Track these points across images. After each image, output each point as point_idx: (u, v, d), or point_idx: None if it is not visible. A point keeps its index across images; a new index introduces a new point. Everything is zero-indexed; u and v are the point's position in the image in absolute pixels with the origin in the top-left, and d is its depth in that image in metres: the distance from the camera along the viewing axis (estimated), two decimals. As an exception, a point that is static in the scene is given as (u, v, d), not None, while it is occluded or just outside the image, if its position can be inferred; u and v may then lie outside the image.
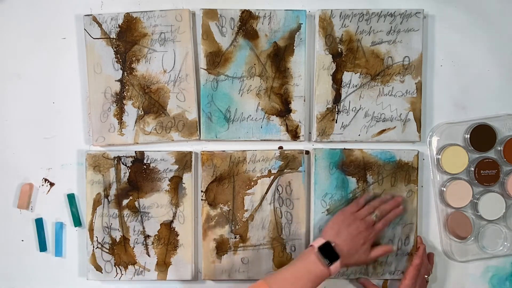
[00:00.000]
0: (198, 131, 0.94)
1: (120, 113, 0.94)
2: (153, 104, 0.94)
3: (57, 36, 0.97)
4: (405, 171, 0.94)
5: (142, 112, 0.94)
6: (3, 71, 0.97)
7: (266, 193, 0.94)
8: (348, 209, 0.90)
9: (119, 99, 0.94)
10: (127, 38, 0.94)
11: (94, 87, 0.94)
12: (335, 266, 0.83)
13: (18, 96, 0.97)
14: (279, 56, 0.93)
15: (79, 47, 0.96)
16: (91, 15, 0.94)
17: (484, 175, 0.95)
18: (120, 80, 0.94)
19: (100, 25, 0.94)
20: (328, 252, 0.83)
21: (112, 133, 0.95)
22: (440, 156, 0.95)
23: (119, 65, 0.94)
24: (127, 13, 0.94)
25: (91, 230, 0.94)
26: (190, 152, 0.94)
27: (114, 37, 0.94)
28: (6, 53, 0.97)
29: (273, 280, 0.81)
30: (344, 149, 0.94)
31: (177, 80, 0.94)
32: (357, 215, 0.88)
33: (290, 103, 0.94)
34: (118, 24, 0.94)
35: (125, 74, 0.94)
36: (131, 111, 0.94)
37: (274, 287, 0.80)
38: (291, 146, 0.96)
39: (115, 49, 0.94)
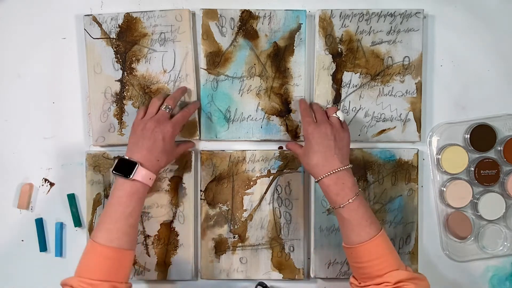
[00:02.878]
0: (198, 131, 0.94)
1: (120, 113, 0.94)
2: (153, 104, 0.94)
3: (57, 36, 0.97)
4: (405, 170, 0.94)
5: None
6: (3, 71, 0.97)
7: (265, 193, 0.94)
8: (136, 117, 0.86)
9: (119, 99, 0.94)
10: (127, 38, 0.94)
11: (94, 87, 0.94)
12: (139, 172, 0.79)
13: (18, 96, 0.97)
14: (279, 56, 0.93)
15: (79, 47, 0.96)
16: (91, 15, 0.94)
17: (484, 175, 0.94)
18: (120, 80, 0.94)
19: (100, 25, 0.94)
20: (123, 167, 0.79)
21: (112, 133, 0.95)
22: (440, 156, 0.95)
23: (119, 65, 0.94)
24: (127, 13, 0.94)
25: (91, 230, 0.94)
26: (190, 152, 0.94)
27: (114, 37, 0.94)
28: (6, 53, 0.97)
29: (96, 229, 0.79)
30: (344, 148, 0.94)
31: (177, 80, 0.94)
32: (146, 117, 0.85)
33: (290, 103, 0.94)
34: (118, 24, 0.94)
35: (125, 74, 0.94)
36: (131, 111, 0.94)
37: (98, 235, 0.77)
38: (291, 146, 0.96)
39: (115, 49, 0.94)
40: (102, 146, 0.96)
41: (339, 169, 0.79)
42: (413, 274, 0.75)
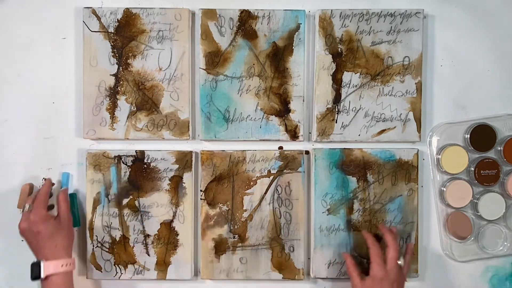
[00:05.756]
0: (189, 131, 0.94)
1: (112, 108, 0.94)
2: (146, 101, 0.94)
3: (57, 36, 0.97)
4: (405, 170, 0.94)
5: (135, 108, 0.94)
6: (3, 71, 0.97)
7: (265, 193, 0.94)
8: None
9: (113, 93, 0.94)
10: (125, 33, 0.94)
11: (88, 80, 0.94)
12: (47, 268, 0.84)
13: (18, 96, 0.97)
14: (278, 56, 0.93)
15: (79, 47, 0.96)
16: (90, 7, 0.94)
17: (484, 175, 0.94)
18: (115, 75, 0.94)
19: (99, 18, 0.94)
20: (35, 271, 0.85)
21: (103, 127, 0.95)
22: (440, 156, 0.95)
23: (115, 59, 0.94)
24: (127, 8, 0.94)
25: (91, 229, 0.95)
26: (191, 152, 0.94)
27: (112, 31, 0.94)
28: (6, 53, 0.97)
29: None
30: (344, 148, 0.94)
31: (172, 79, 0.94)
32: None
33: (289, 103, 0.94)
34: (117, 19, 0.94)
35: (121, 69, 0.94)
36: (123, 106, 0.94)
37: None
38: (291, 146, 0.96)
39: (112, 44, 0.94)
40: (92, 139, 0.96)
41: None
42: None
